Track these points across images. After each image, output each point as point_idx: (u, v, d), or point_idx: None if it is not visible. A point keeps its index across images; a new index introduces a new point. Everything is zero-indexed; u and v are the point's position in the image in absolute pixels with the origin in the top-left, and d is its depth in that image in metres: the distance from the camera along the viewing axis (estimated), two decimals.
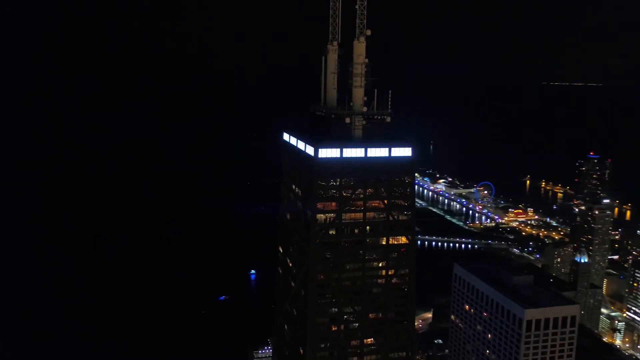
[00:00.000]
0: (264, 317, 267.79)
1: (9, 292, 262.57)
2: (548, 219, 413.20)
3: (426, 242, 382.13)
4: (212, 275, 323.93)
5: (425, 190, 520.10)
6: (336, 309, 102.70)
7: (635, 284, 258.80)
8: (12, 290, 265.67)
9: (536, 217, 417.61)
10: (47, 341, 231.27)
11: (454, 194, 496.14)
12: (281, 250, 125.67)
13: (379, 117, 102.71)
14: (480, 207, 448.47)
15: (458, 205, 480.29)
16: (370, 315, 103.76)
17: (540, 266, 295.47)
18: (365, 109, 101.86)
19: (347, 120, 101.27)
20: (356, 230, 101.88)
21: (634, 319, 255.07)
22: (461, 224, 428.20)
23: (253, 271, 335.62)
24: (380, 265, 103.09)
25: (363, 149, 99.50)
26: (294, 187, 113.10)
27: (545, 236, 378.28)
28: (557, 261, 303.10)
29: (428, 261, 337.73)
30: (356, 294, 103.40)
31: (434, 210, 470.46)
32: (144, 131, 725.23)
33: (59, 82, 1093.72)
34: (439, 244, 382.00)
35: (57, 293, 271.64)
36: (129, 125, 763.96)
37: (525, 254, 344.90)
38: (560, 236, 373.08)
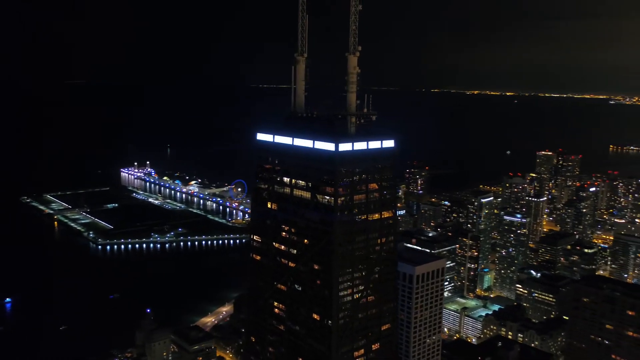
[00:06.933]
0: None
1: None
2: None
3: (196, 243, 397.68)
4: None
5: (179, 193, 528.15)
6: (349, 276, 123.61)
7: None
8: None
9: None
10: None
11: (208, 194, 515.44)
12: (259, 240, 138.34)
13: (372, 117, 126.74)
14: (236, 204, 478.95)
15: (214, 205, 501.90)
16: (371, 277, 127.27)
17: None
18: (365, 109, 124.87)
19: (353, 119, 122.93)
20: (362, 209, 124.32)
21: None
22: (224, 221, 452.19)
23: (8, 299, 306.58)
24: (377, 235, 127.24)
25: (366, 142, 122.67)
26: (288, 179, 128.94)
27: None
28: None
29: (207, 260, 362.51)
30: (362, 261, 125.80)
31: (194, 210, 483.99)
32: None
33: None
34: (208, 242, 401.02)
35: None
36: None
37: None
38: None
